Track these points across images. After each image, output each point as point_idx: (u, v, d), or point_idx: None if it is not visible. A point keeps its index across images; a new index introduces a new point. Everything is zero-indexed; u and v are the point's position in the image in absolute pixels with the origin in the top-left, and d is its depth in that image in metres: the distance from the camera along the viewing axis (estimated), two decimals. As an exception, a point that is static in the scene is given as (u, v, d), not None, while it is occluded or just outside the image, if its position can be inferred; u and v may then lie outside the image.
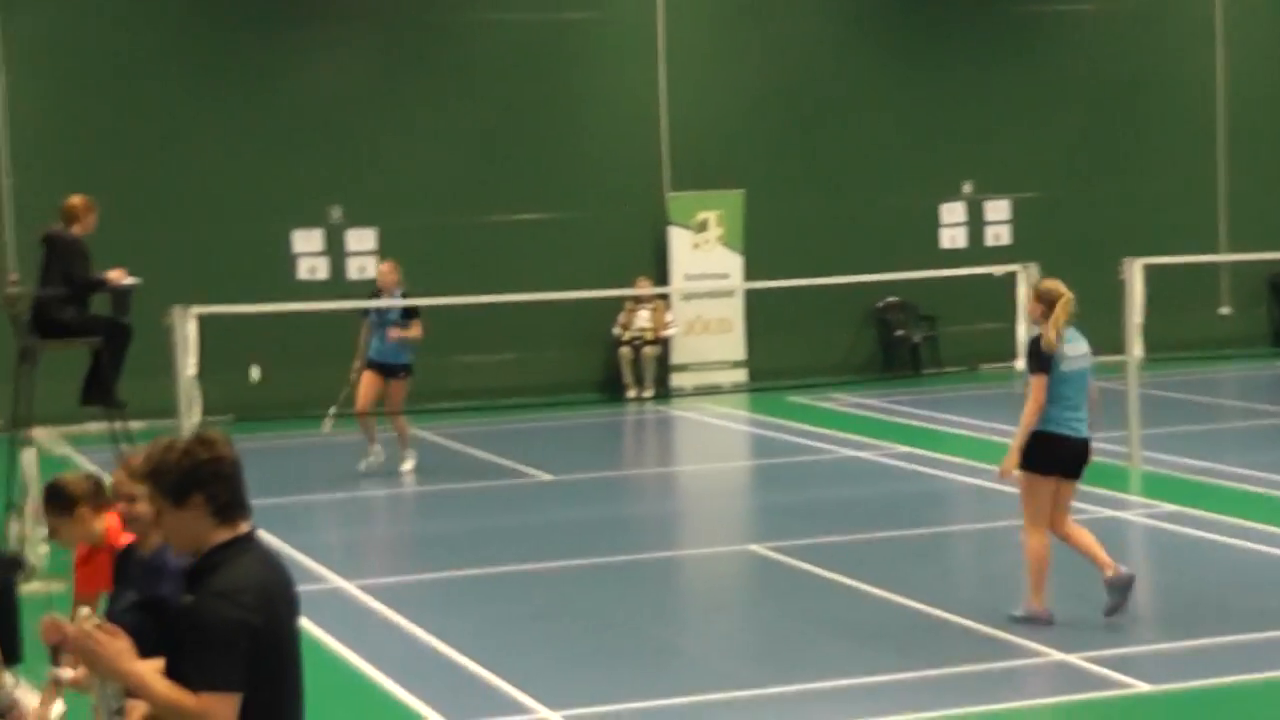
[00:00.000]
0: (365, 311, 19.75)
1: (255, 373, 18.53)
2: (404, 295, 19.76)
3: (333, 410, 19.75)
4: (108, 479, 9.12)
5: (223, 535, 5.88)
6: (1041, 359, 12.42)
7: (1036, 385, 12.41)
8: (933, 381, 26.27)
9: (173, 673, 5.89)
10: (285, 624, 5.96)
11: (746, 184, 26.17)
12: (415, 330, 19.48)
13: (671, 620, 13.68)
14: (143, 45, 24.19)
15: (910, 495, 17.81)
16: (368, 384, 19.54)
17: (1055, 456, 12.39)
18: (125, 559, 7.49)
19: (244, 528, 5.95)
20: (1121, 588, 12.43)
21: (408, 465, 19.78)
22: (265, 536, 6.26)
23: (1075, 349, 12.56)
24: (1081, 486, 13.13)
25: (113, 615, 7.10)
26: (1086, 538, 12.64)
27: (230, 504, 5.91)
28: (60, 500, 8.63)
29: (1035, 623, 12.38)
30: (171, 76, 24.26)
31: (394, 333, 19.34)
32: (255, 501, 6.09)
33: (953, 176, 27.37)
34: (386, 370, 19.53)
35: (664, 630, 13.25)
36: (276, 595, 5.93)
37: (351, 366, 19.56)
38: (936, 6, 27.17)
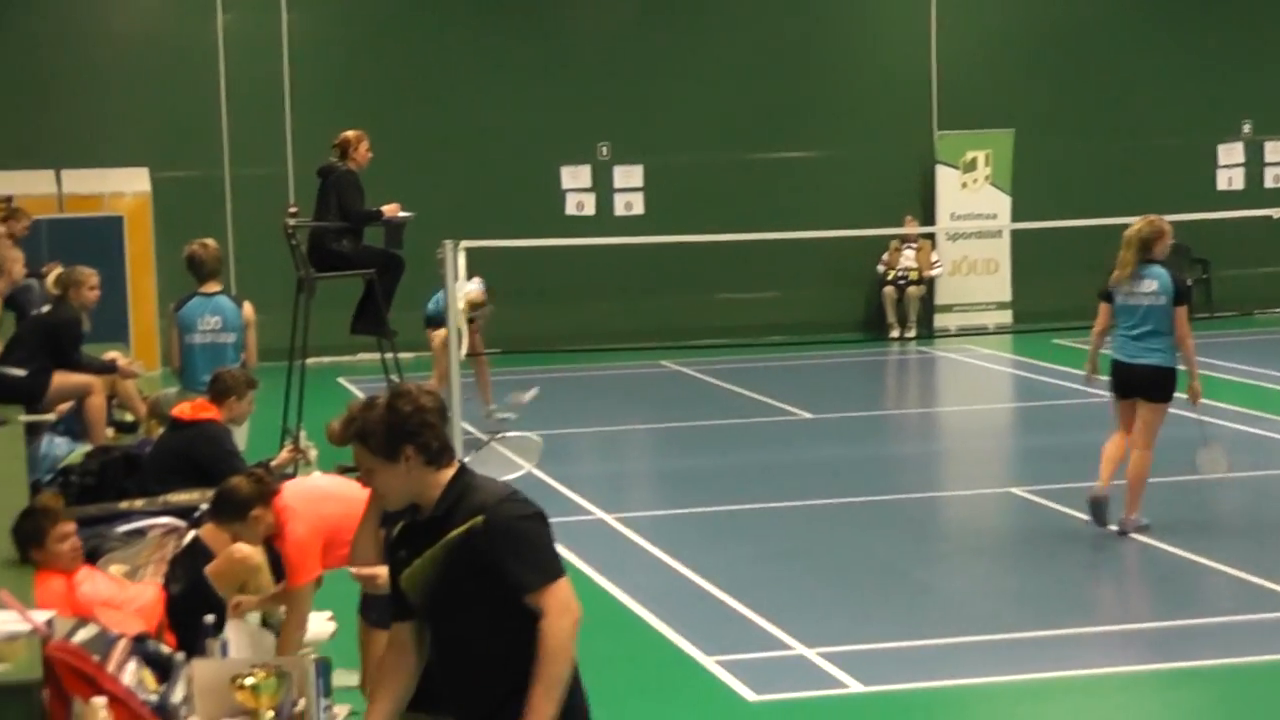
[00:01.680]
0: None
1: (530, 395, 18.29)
2: None
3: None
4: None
5: (446, 474, 5.97)
6: None
7: None
8: (1204, 326, 25.71)
9: (473, 601, 5.98)
10: None
11: (1016, 123, 25.90)
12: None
13: (929, 561, 13.62)
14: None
15: (1179, 441, 17.50)
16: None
17: None
18: None
19: (456, 464, 6.03)
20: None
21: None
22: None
23: None
24: None
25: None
26: None
27: (441, 449, 5.98)
28: (231, 509, 8.83)
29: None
30: (445, 13, 24.65)
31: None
32: (515, 432, 6.22)
33: (1231, 116, 26.78)
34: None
35: (922, 571, 13.23)
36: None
37: None
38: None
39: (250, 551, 10.09)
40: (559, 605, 5.83)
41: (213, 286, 14.15)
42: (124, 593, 9.16)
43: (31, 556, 8.95)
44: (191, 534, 10.32)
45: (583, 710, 6.16)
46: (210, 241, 14.62)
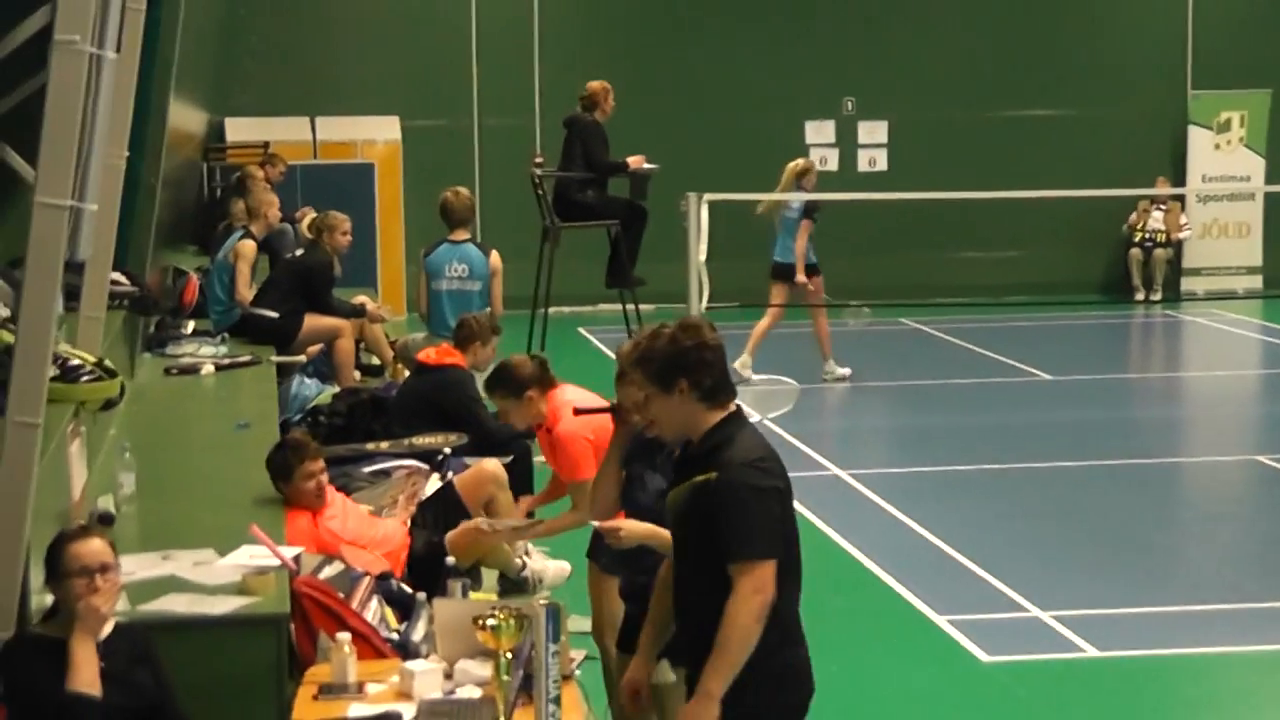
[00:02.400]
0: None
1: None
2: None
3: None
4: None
5: (716, 415, 6.02)
6: None
7: None
8: None
9: (697, 551, 6.03)
10: (792, 493, 6.10)
11: (1274, 84, 25.39)
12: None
13: (1171, 526, 13.53)
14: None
15: None
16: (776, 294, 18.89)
17: None
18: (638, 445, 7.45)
19: (732, 407, 6.08)
20: None
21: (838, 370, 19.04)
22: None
23: None
24: None
25: (639, 502, 7.32)
26: None
27: (716, 387, 6.03)
28: (509, 383, 8.90)
29: None
30: (693, -33, 24.72)
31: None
32: (770, 377, 6.29)
33: None
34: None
35: (1162, 536, 13.12)
36: (783, 465, 6.10)
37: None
38: None
39: (497, 468, 10.34)
40: (751, 586, 5.81)
41: (461, 234, 14.38)
42: (372, 530, 9.40)
43: (282, 491, 9.21)
44: (440, 480, 10.57)
45: (799, 671, 6.15)
46: (463, 190, 14.86)
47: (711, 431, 6.01)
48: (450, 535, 9.78)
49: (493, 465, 10.38)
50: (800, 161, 18.85)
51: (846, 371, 18.58)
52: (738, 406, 6.13)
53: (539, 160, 18.51)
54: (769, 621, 5.91)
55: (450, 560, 9.30)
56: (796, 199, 18.32)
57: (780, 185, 18.48)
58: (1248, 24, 25.48)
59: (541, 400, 9.18)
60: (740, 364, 17.28)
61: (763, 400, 12.42)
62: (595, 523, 7.35)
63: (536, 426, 9.92)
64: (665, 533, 6.77)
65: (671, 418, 6.09)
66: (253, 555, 7.97)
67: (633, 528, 7.03)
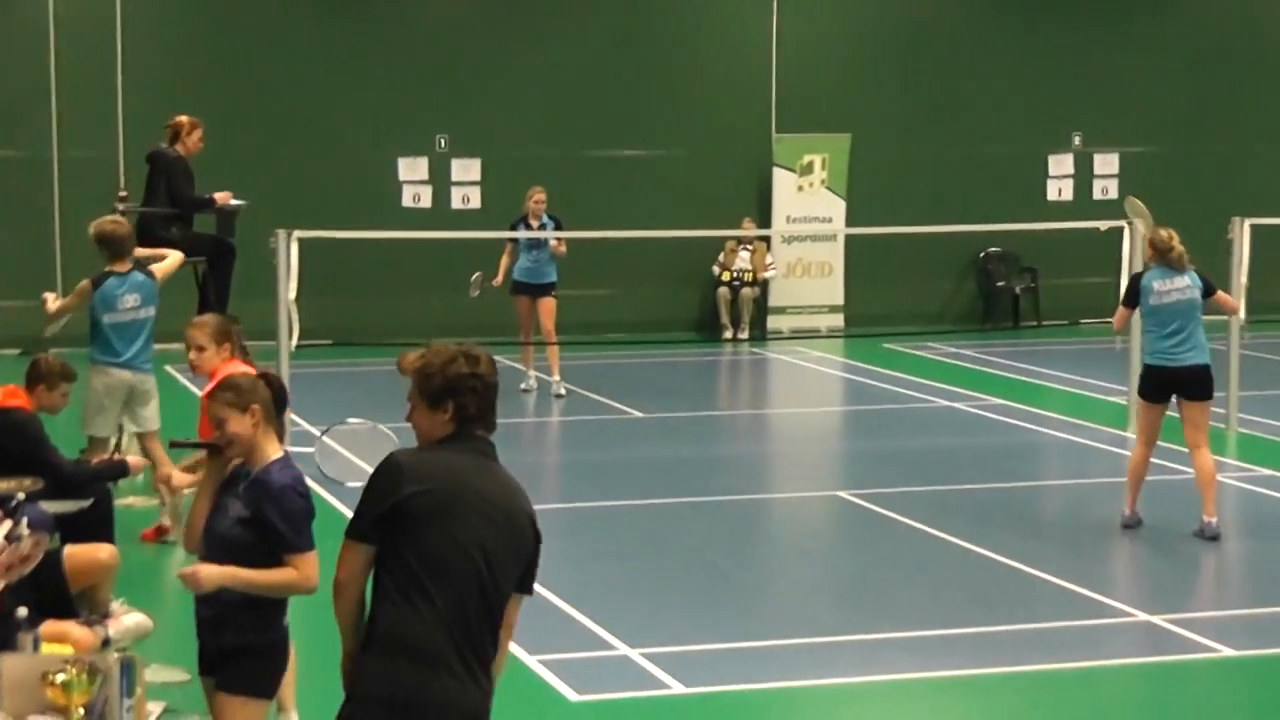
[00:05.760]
0: (512, 237, 20.34)
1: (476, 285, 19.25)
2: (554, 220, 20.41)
3: (476, 275, 19.86)
4: None
5: (449, 432, 6.32)
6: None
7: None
8: (1032, 334, 26.19)
9: None
10: (455, 515, 6.19)
11: (853, 128, 26.08)
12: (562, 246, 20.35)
13: (756, 563, 13.72)
14: (256, -33, 24.40)
15: (1004, 448, 17.78)
16: (524, 309, 20.27)
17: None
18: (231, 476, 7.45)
19: (481, 435, 6.43)
20: (1206, 529, 13.54)
21: (560, 387, 20.29)
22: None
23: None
24: (1174, 445, 13.49)
25: (217, 528, 7.25)
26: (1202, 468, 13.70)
27: (473, 417, 6.37)
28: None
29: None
30: (281, 1, 24.42)
31: (559, 248, 20.21)
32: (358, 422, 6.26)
33: (1063, 128, 27.18)
34: (537, 290, 20.14)
35: (748, 572, 13.31)
36: (447, 481, 6.22)
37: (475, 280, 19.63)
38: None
39: (113, 560, 10.21)
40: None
41: (124, 265, 13.75)
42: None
43: None
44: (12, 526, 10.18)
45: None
46: (120, 218, 14.60)
47: (433, 444, 6.35)
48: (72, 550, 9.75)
49: (108, 556, 10.16)
50: None
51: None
52: (486, 440, 6.46)
53: (123, 195, 18.06)
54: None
55: (21, 612, 8.95)
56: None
57: None
58: (829, 69, 26.16)
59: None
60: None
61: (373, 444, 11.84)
62: (180, 569, 7.22)
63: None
64: (243, 573, 6.99)
65: (425, 429, 6.35)
66: None
67: (209, 572, 7.03)
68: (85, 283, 13.67)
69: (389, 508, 6.11)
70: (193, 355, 10.00)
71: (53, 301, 14.28)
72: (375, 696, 6.09)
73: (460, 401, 6.32)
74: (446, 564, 6.12)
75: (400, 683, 6.04)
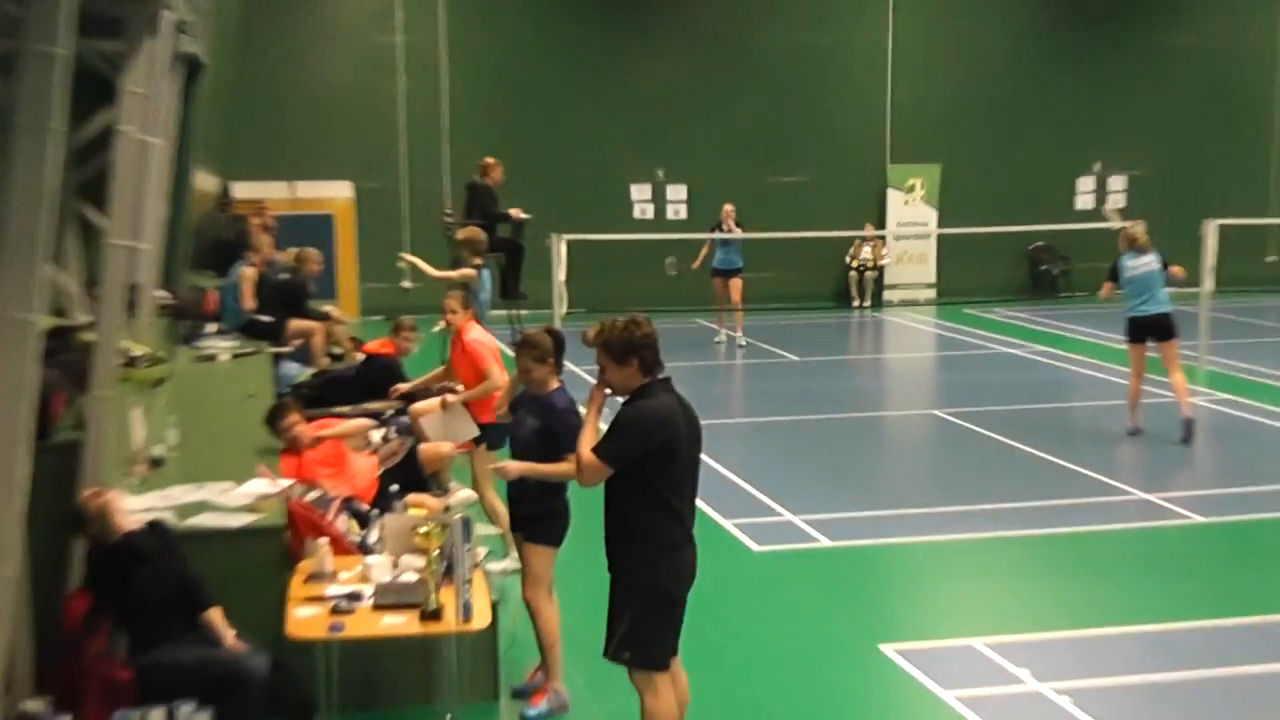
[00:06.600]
0: (710, 238, 20.36)
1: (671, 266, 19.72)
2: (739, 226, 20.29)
3: (670, 259, 20.06)
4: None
5: (645, 379, 6.07)
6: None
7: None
8: (1066, 302, 25.72)
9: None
10: (681, 441, 5.99)
11: (942, 159, 25.75)
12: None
13: (878, 457, 13.69)
14: (535, 54, 24.45)
15: (1047, 380, 17.59)
16: (719, 287, 20.30)
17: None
18: (523, 396, 7.42)
19: (662, 376, 6.10)
20: (1187, 426, 13.46)
21: (742, 340, 20.36)
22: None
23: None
24: (1161, 378, 13.44)
25: (518, 434, 7.26)
26: (1177, 385, 13.64)
27: (652, 364, 6.06)
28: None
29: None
30: (555, 76, 24.55)
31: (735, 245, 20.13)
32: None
33: (1087, 157, 26.57)
34: (729, 274, 20.16)
35: (873, 464, 13.30)
36: (675, 419, 6.00)
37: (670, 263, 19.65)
38: (1084, 31, 26.27)
39: (451, 450, 10.13)
40: (586, 465, 6.01)
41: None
42: (347, 464, 9.28)
43: (278, 439, 9.17)
44: (383, 429, 10.51)
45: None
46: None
47: (639, 390, 6.08)
48: (423, 448, 9.84)
49: (448, 451, 10.25)
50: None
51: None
52: (666, 376, 6.13)
53: (449, 212, 18.41)
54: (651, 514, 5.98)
55: (394, 488, 9.30)
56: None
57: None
58: (925, 119, 25.79)
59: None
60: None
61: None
62: (494, 464, 7.35)
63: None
64: (537, 466, 6.87)
65: (623, 382, 6.07)
66: (259, 486, 7.98)
67: (513, 465, 7.00)
68: (469, 271, 13.72)
69: (650, 447, 5.92)
70: (448, 316, 9.84)
71: (426, 266, 14.31)
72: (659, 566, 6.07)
73: (641, 356, 6.01)
74: (683, 479, 6.05)
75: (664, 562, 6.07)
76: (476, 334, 9.84)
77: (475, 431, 9.68)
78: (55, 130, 4.06)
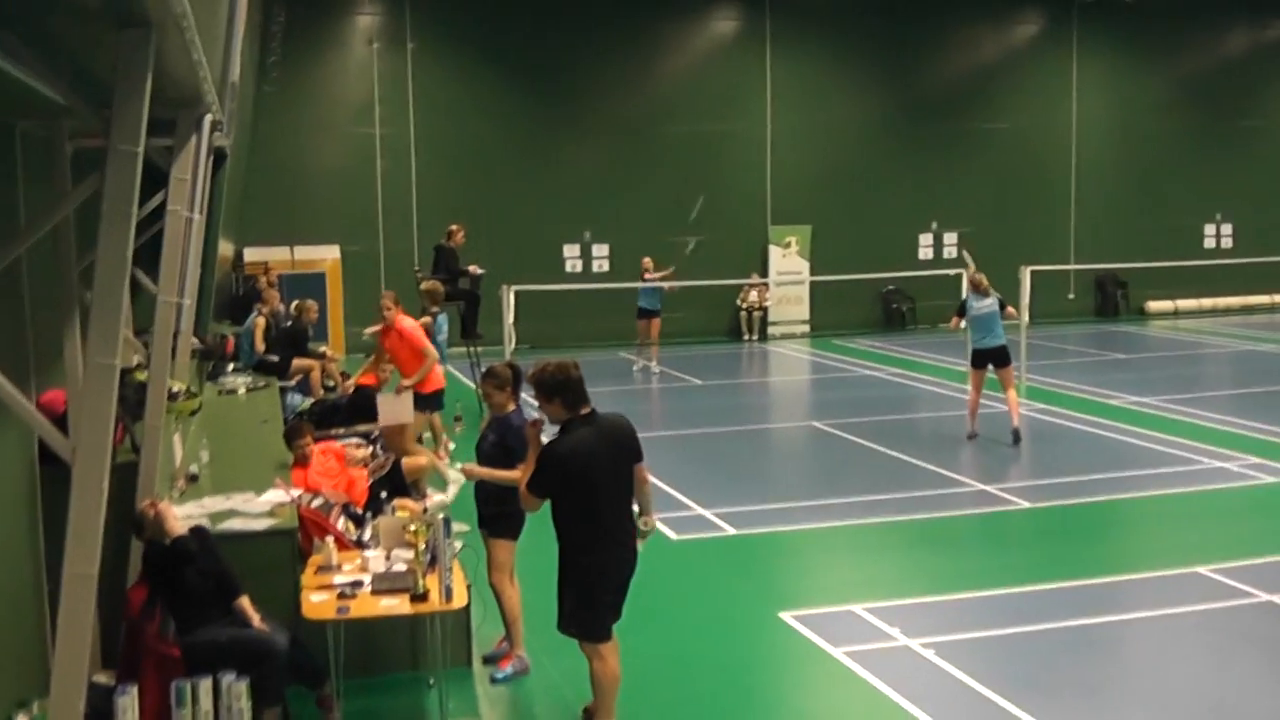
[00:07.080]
0: (631, 286, 20.42)
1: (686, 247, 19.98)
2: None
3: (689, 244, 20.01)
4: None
5: (569, 415, 5.94)
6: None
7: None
8: (913, 333, 26.04)
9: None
10: (596, 465, 5.77)
11: (813, 221, 25.93)
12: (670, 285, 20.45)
13: (769, 459, 13.63)
14: (488, 142, 24.30)
15: (901, 396, 17.70)
16: (642, 326, 20.26)
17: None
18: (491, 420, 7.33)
19: (584, 410, 5.92)
20: (1015, 433, 13.51)
21: (657, 368, 20.25)
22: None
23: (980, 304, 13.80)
24: (995, 394, 13.52)
25: (482, 447, 7.18)
26: (1010, 401, 13.75)
27: (574, 402, 5.88)
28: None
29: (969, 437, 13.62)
30: (503, 159, 24.42)
31: (670, 287, 20.35)
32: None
33: (926, 218, 26.93)
34: (651, 314, 20.17)
35: (766, 464, 13.27)
36: (588, 449, 5.77)
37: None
38: (922, 120, 26.64)
39: (430, 462, 10.20)
40: (522, 493, 5.96)
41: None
42: (342, 475, 9.25)
43: (291, 454, 9.09)
44: (370, 446, 10.42)
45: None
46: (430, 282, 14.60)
47: (564, 425, 5.97)
48: (405, 461, 9.83)
49: (426, 463, 10.19)
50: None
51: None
52: (590, 410, 5.95)
53: (418, 270, 18.33)
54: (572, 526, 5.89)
55: (383, 495, 9.23)
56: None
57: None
58: (799, 188, 25.92)
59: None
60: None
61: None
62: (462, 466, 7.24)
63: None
64: (496, 472, 6.82)
65: (551, 415, 5.99)
66: (275, 495, 7.92)
67: (476, 470, 6.97)
68: (427, 318, 13.59)
69: (566, 479, 5.78)
70: (385, 312, 10.42)
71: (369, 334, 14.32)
72: (599, 570, 5.93)
73: (564, 396, 5.81)
74: (602, 493, 5.86)
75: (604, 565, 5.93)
76: (407, 322, 10.27)
77: (411, 415, 10.10)
78: (131, 214, 4.10)
